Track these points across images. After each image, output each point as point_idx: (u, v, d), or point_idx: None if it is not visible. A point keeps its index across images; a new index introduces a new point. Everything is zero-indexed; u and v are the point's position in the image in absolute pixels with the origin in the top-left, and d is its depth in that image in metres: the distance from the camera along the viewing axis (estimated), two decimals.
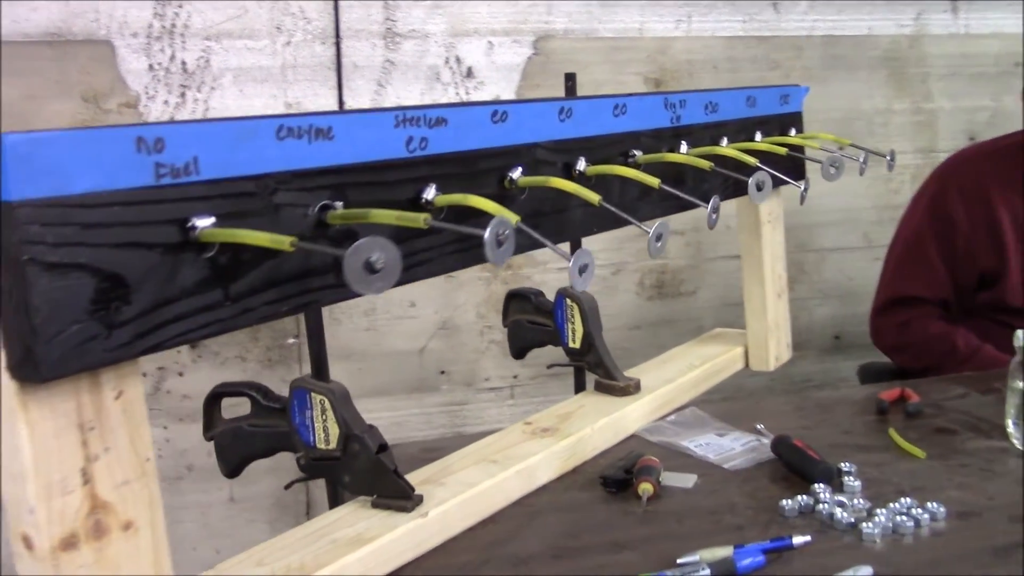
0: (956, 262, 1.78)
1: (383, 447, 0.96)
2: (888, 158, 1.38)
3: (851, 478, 1.06)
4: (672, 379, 1.35)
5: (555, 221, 0.97)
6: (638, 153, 1.08)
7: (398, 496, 0.95)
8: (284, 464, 1.04)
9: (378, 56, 2.00)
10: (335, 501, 0.99)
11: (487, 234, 0.66)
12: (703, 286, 2.27)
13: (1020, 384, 1.16)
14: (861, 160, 1.40)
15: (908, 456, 1.16)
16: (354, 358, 2.08)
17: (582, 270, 0.74)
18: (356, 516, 0.94)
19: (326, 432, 0.95)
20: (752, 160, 1.18)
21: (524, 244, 0.78)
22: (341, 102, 2.00)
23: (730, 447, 1.18)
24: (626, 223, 0.96)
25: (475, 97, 2.06)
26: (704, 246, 2.25)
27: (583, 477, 1.11)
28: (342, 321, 2.06)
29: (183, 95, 1.92)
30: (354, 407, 0.97)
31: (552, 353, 1.36)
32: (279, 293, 0.69)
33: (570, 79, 1.26)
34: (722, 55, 2.18)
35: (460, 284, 2.10)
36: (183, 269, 0.63)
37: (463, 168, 0.85)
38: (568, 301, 1.31)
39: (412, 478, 1.01)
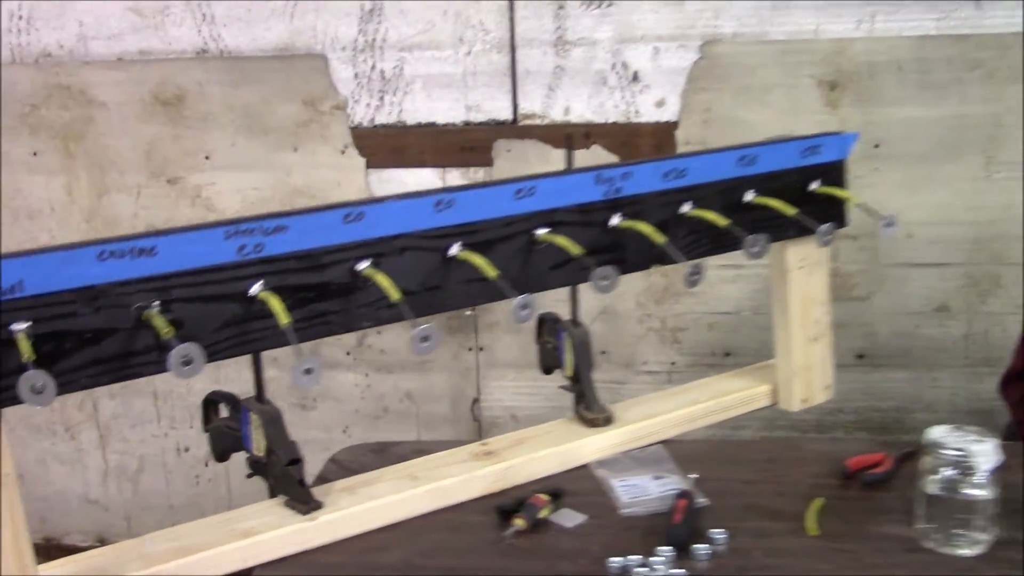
0: None
1: (294, 461, 1.23)
2: (885, 223, 1.35)
3: (706, 547, 1.15)
4: (656, 414, 1.46)
5: (427, 298, 1.16)
6: (542, 232, 1.22)
7: (300, 501, 1.22)
8: None
9: (549, 62, 2.18)
10: (274, 495, 1.28)
11: (170, 358, 0.90)
12: (878, 291, 2.21)
13: (928, 486, 1.15)
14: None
15: (802, 531, 1.20)
16: (522, 332, 2.32)
17: (306, 371, 0.95)
18: (266, 512, 1.22)
19: (258, 443, 1.24)
20: (720, 219, 1.25)
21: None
22: (515, 106, 2.21)
23: (648, 492, 1.30)
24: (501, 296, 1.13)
25: (640, 100, 2.17)
26: (880, 252, 2.19)
27: (495, 502, 1.30)
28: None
29: (382, 99, 2.25)
30: (282, 426, 1.24)
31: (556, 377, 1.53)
32: (100, 369, 0.98)
33: (568, 142, 1.36)
34: (909, 56, 2.07)
35: None
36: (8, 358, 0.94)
37: (305, 264, 1.08)
38: (566, 335, 1.47)
39: (338, 484, 1.28)
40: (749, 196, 1.37)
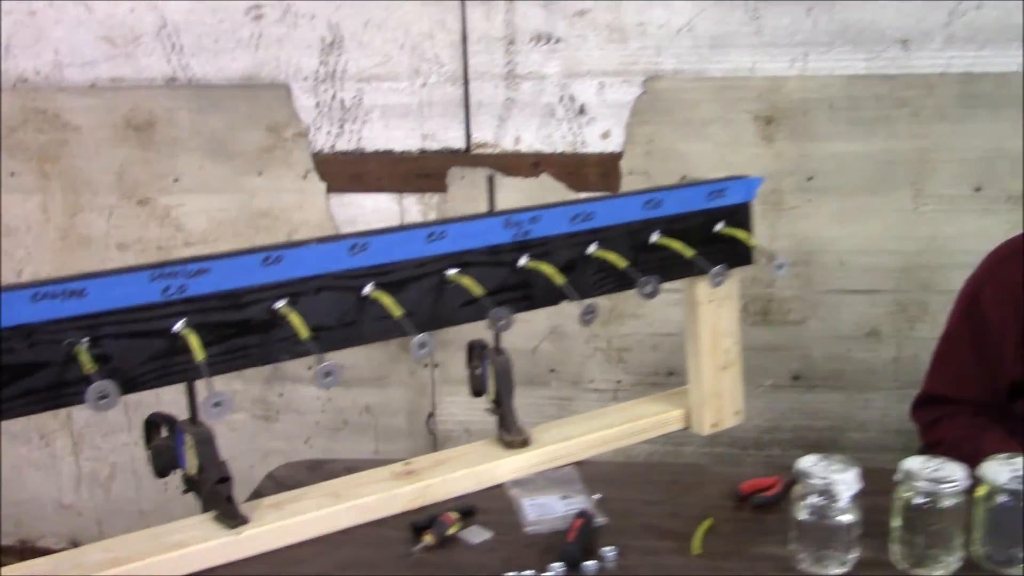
0: (988, 366, 1.72)
1: (223, 479, 1.33)
2: (776, 265, 1.46)
3: (595, 564, 1.26)
4: (571, 437, 1.56)
5: (343, 333, 1.27)
6: (452, 272, 1.32)
7: (228, 516, 1.33)
8: None
9: (500, 95, 2.29)
10: (206, 510, 1.38)
11: (87, 394, 1.01)
12: (813, 316, 2.32)
13: (799, 511, 1.26)
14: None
15: (687, 551, 1.31)
16: None
17: (215, 404, 1.06)
18: (196, 526, 1.33)
19: (191, 462, 1.35)
20: (626, 261, 1.36)
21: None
22: (468, 136, 2.32)
23: (554, 511, 1.40)
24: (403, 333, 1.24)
25: (586, 131, 2.28)
26: (814, 279, 2.29)
27: (414, 519, 1.41)
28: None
29: (342, 127, 2.36)
30: (213, 447, 1.35)
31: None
32: (34, 399, 1.09)
33: (490, 182, 1.46)
34: (840, 93, 2.18)
35: None
36: None
37: (227, 303, 1.19)
38: (489, 362, 1.57)
39: (267, 501, 1.38)
40: (654, 237, 1.47)
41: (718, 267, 1.44)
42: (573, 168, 2.29)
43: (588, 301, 1.32)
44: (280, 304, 1.21)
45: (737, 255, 1.57)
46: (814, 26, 2.16)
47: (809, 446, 2.38)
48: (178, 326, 1.15)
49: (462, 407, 2.48)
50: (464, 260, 1.34)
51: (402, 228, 1.30)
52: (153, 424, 1.44)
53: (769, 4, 2.16)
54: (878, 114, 2.18)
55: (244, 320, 1.20)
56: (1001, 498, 1.22)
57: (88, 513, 2.74)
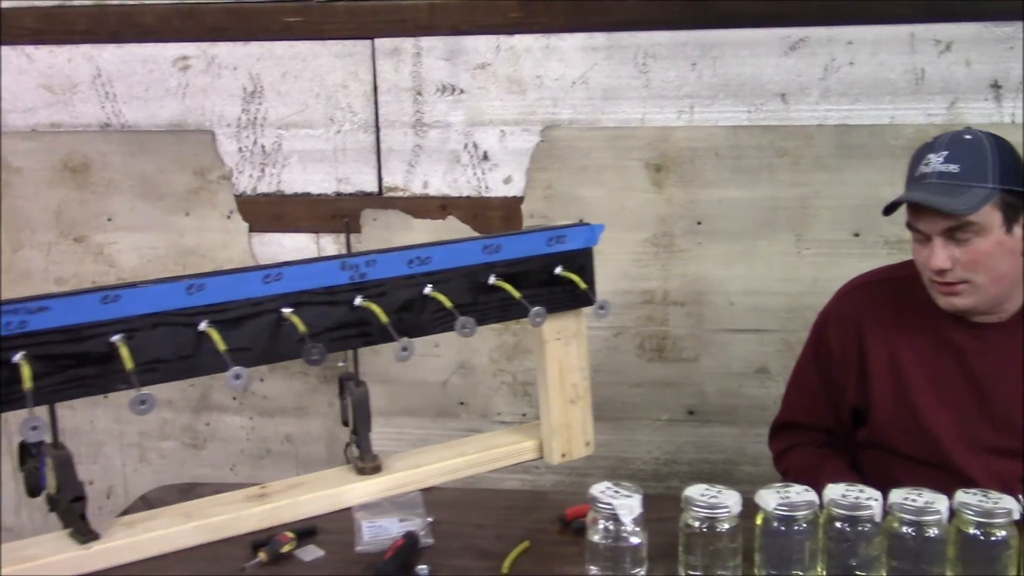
0: (832, 394, 1.83)
1: (77, 498, 1.46)
2: (598, 306, 1.58)
3: None
4: (421, 465, 1.68)
5: (180, 365, 1.40)
6: (287, 311, 1.45)
7: (80, 532, 1.45)
8: None
9: (409, 142, 2.43)
10: (64, 527, 1.51)
11: None
12: (705, 354, 2.43)
13: (591, 534, 1.37)
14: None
15: (498, 571, 1.42)
16: (390, 384, 2.55)
17: (32, 428, 1.19)
18: (52, 541, 1.45)
19: (51, 482, 1.47)
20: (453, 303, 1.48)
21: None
22: (380, 180, 2.46)
23: (388, 532, 1.52)
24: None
25: (489, 177, 2.42)
26: (705, 318, 2.41)
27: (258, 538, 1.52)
28: (381, 352, 2.54)
29: (263, 170, 2.50)
30: (71, 468, 1.47)
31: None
32: None
33: (346, 224, 1.59)
34: (725, 143, 2.30)
35: (477, 332, 2.48)
36: None
37: (67, 337, 1.32)
38: (348, 393, 1.70)
39: (123, 519, 1.51)
40: (492, 279, 1.60)
41: (536, 309, 1.56)
42: (478, 211, 2.43)
43: (405, 339, 1.45)
44: (116, 338, 1.34)
45: (578, 297, 1.69)
46: (699, 80, 2.28)
47: (705, 478, 2.48)
48: (17, 357, 1.28)
49: (378, 436, 2.58)
50: (300, 300, 1.46)
51: (239, 271, 1.43)
52: (25, 448, 1.57)
53: (657, 59, 2.29)
54: (761, 163, 2.30)
55: (83, 352, 1.33)
56: (773, 523, 1.33)
57: (29, 535, 2.85)
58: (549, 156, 2.38)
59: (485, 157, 2.41)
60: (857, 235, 2.29)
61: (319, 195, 2.49)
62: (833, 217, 2.30)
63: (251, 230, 2.53)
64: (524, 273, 1.63)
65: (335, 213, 2.48)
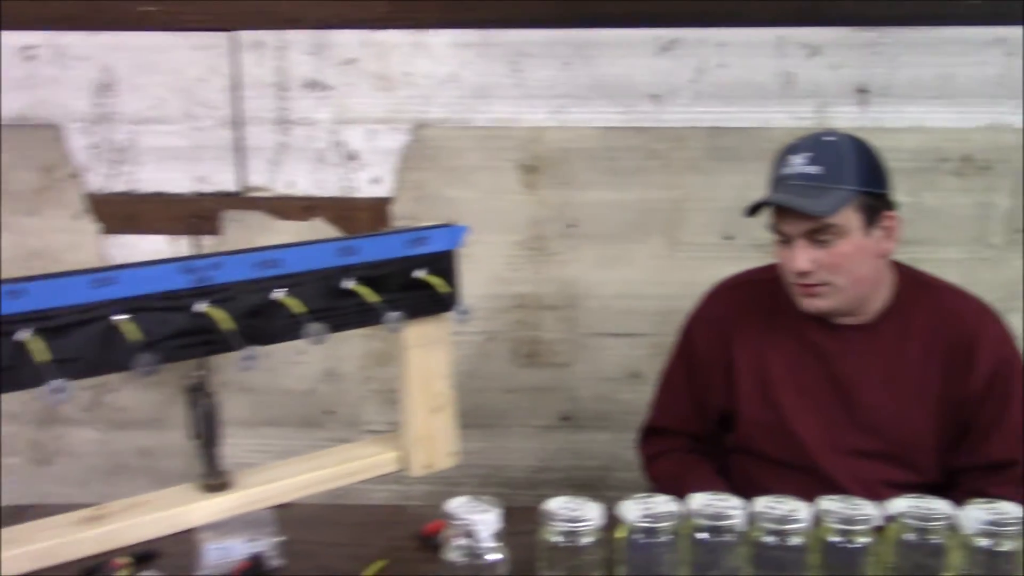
0: (699, 398, 1.81)
1: None
2: (460, 310, 1.52)
3: None
4: (276, 480, 1.58)
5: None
6: (118, 317, 1.34)
7: None
8: None
9: (272, 140, 2.32)
10: None
11: None
12: (578, 359, 2.39)
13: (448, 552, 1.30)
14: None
15: None
16: (254, 392, 2.44)
17: None
18: None
19: None
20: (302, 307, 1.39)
21: None
22: (242, 179, 2.34)
23: (234, 554, 1.42)
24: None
25: (357, 177, 2.33)
26: (579, 322, 2.37)
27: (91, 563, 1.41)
28: None
29: (116, 168, 2.36)
30: None
31: None
32: None
33: (193, 224, 1.50)
34: (597, 144, 2.27)
35: (343, 339, 2.39)
36: None
37: None
38: (197, 403, 1.59)
39: None
40: (348, 283, 1.51)
41: (394, 314, 1.48)
42: (345, 212, 2.33)
43: (250, 348, 1.35)
44: None
45: (441, 301, 1.61)
46: (571, 79, 2.24)
47: (579, 486, 2.46)
48: None
49: (240, 449, 2.44)
50: (136, 306, 1.35)
51: (64, 274, 1.31)
52: None
53: (529, 58, 2.24)
54: (633, 164, 2.27)
55: None
56: (636, 536, 1.28)
57: None
58: (419, 156, 2.31)
59: (352, 156, 2.32)
60: (729, 238, 2.28)
61: (176, 195, 2.36)
62: (705, 220, 2.29)
63: (103, 232, 2.38)
64: (383, 277, 1.55)
65: (194, 214, 2.35)
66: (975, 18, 2.15)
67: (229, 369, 2.43)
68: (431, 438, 1.68)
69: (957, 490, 1.64)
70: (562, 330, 2.37)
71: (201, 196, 2.36)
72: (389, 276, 1.56)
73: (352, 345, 2.40)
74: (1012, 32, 2.16)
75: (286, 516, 1.53)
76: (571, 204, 2.30)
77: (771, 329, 1.74)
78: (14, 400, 2.35)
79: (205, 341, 1.43)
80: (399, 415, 2.41)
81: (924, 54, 2.19)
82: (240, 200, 2.35)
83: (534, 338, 2.39)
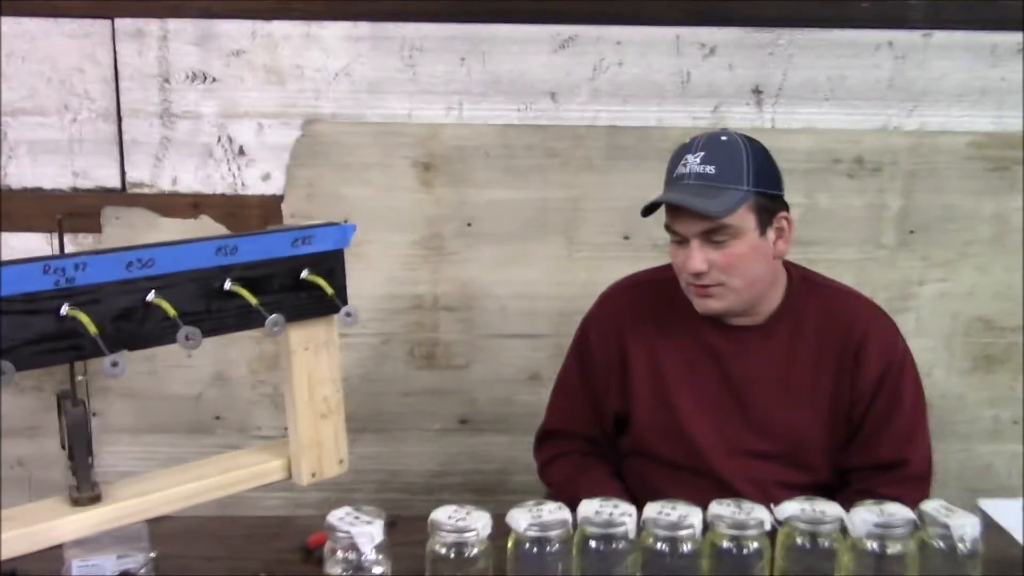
0: (595, 401, 1.78)
1: None
2: (345, 313, 1.46)
3: None
4: (151, 491, 1.50)
5: None
6: None
7: None
8: None
9: (156, 134, 2.22)
10: None
11: None
12: (476, 360, 2.34)
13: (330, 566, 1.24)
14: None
15: None
16: (137, 398, 2.33)
17: None
18: None
19: None
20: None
21: None
22: (123, 174, 2.24)
23: (104, 571, 1.33)
24: None
25: (246, 173, 2.24)
26: (477, 323, 2.32)
27: None
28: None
29: None
30: None
31: None
32: None
33: (59, 226, 1.42)
34: (495, 142, 2.23)
35: (232, 341, 2.30)
36: None
37: None
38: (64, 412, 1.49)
39: None
40: (228, 284, 1.44)
41: (273, 316, 1.42)
42: (234, 210, 2.25)
43: (117, 354, 1.27)
44: None
45: (327, 303, 1.55)
46: (468, 75, 2.20)
47: (478, 489, 2.41)
48: None
49: (123, 457, 2.37)
50: None
51: None
52: None
53: (424, 52, 2.19)
54: (531, 163, 2.24)
55: None
56: (525, 545, 1.25)
57: None
58: (311, 152, 2.23)
59: (241, 152, 2.23)
60: (627, 238, 2.26)
61: (53, 191, 2.24)
62: (603, 219, 2.27)
63: None
64: (266, 277, 1.48)
65: (72, 211, 2.23)
66: (865, 21, 2.17)
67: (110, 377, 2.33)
68: (319, 445, 1.61)
69: (848, 490, 1.65)
70: (460, 331, 2.32)
71: (80, 192, 2.24)
72: (271, 277, 1.49)
73: (241, 347, 2.31)
74: (901, 35, 2.19)
75: (163, 529, 1.45)
76: (468, 203, 2.26)
77: (666, 330, 1.72)
78: None
79: (72, 346, 1.34)
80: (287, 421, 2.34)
81: (817, 56, 2.20)
82: (122, 196, 2.24)
83: (431, 340, 2.33)
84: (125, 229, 2.25)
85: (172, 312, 1.35)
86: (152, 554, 1.37)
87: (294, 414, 1.59)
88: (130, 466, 2.37)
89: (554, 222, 2.27)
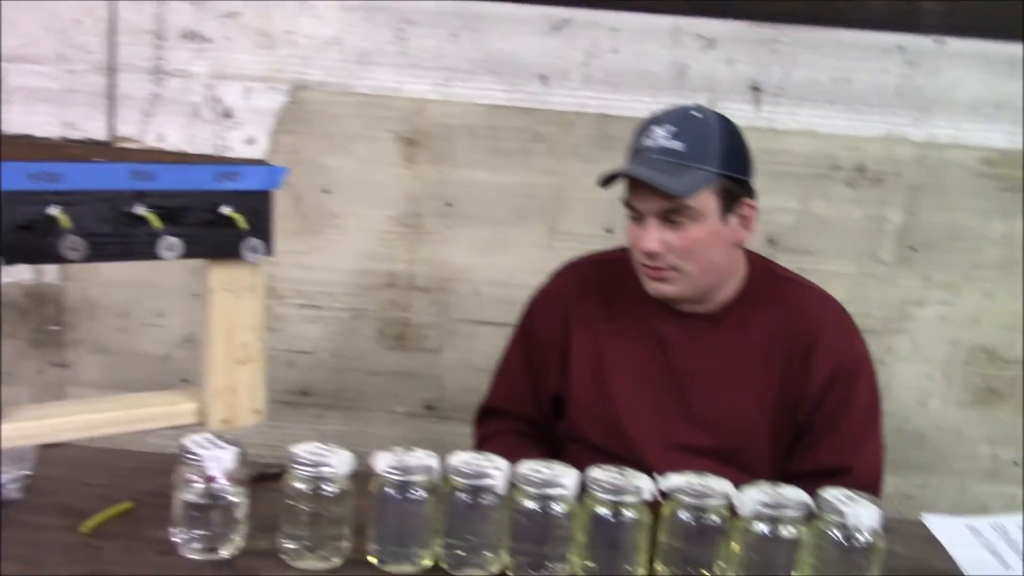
0: (534, 379, 1.71)
1: None
2: (251, 249, 1.41)
3: None
4: (49, 417, 1.47)
5: None
6: None
7: None
8: None
9: (146, 90, 2.22)
10: None
11: None
12: (448, 345, 2.28)
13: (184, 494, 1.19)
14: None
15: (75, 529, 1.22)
16: (108, 353, 2.32)
17: None
18: None
19: None
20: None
21: None
22: (112, 128, 2.25)
23: None
24: None
25: (231, 135, 2.23)
26: (450, 307, 2.27)
27: None
28: (99, 319, 2.32)
29: None
30: None
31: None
32: None
33: None
34: (481, 122, 2.18)
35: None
36: None
37: None
38: None
39: None
40: (140, 209, 1.41)
41: (169, 240, 1.38)
42: None
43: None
44: None
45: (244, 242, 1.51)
46: (458, 52, 2.16)
47: None
48: None
49: None
50: None
51: None
52: None
53: (416, 26, 2.15)
54: (517, 146, 2.18)
55: None
56: (386, 489, 1.18)
57: None
58: (296, 119, 2.21)
59: (228, 114, 2.22)
60: (610, 231, 2.18)
61: (43, 139, 2.26)
62: (586, 210, 2.20)
63: None
64: (183, 208, 1.44)
65: (59, 159, 2.24)
66: (875, 22, 2.08)
67: (84, 328, 2.33)
68: (233, 391, 1.56)
69: None
70: (433, 314, 2.27)
71: (68, 142, 2.25)
72: (190, 209, 1.46)
73: None
74: (913, 40, 2.09)
75: (56, 455, 1.41)
76: (450, 182, 2.21)
77: (613, 313, 1.64)
78: None
79: None
80: None
81: (822, 56, 2.11)
82: (108, 149, 2.24)
83: (403, 320, 2.28)
84: None
85: (68, 224, 1.32)
86: (27, 472, 1.33)
87: (209, 357, 1.55)
88: None
89: (536, 209, 2.21)
